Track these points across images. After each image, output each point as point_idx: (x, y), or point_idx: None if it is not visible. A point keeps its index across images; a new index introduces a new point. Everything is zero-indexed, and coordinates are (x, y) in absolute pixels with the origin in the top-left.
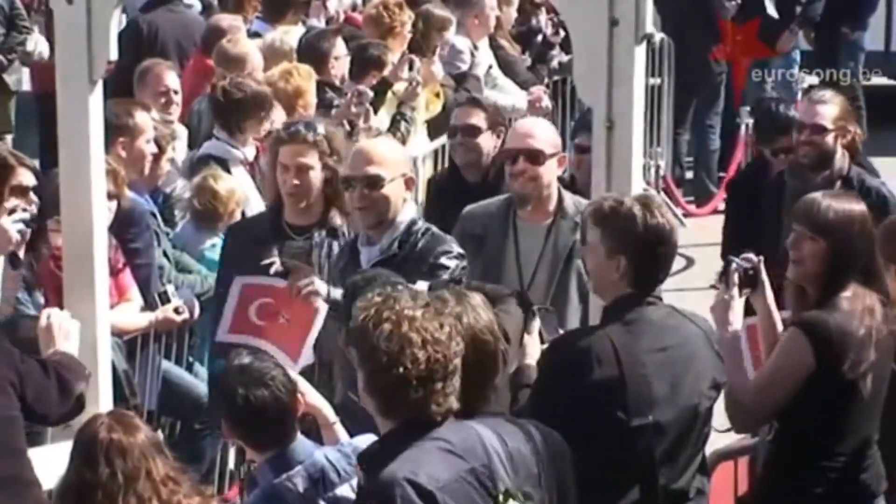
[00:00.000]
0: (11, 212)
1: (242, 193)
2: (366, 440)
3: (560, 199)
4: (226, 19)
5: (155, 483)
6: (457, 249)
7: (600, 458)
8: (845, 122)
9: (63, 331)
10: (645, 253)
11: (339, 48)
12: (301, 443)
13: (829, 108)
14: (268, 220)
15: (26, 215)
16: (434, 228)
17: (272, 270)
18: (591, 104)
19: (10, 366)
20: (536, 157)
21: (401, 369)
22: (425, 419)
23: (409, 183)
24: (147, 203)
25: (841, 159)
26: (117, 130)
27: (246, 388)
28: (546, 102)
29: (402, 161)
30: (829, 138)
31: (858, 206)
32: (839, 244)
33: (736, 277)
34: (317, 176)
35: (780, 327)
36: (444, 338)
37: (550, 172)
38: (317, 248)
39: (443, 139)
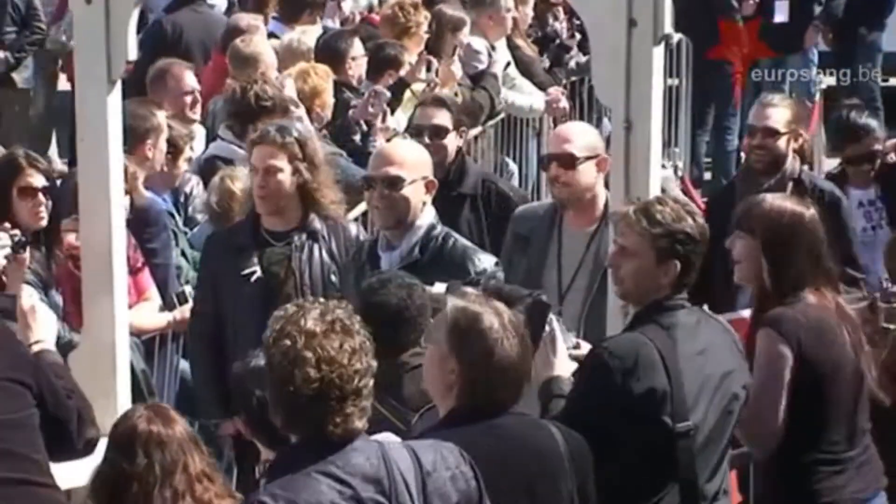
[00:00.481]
0: None
1: None
2: (385, 439)
3: (606, 204)
4: (244, 19)
5: (190, 478)
6: (487, 259)
7: (644, 463)
8: (797, 126)
9: (41, 318)
10: (696, 257)
11: (357, 48)
12: None
13: (781, 111)
14: (247, 228)
15: (10, 242)
16: (455, 235)
17: (253, 279)
18: (609, 105)
19: (23, 368)
20: (569, 161)
21: (291, 387)
22: (322, 438)
23: (430, 186)
24: (165, 203)
25: (792, 163)
26: (146, 132)
27: (263, 388)
28: (563, 103)
29: (424, 163)
30: (781, 142)
31: (795, 205)
32: (770, 239)
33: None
34: (285, 179)
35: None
36: (342, 358)
37: (587, 177)
38: (297, 251)
39: (469, 134)
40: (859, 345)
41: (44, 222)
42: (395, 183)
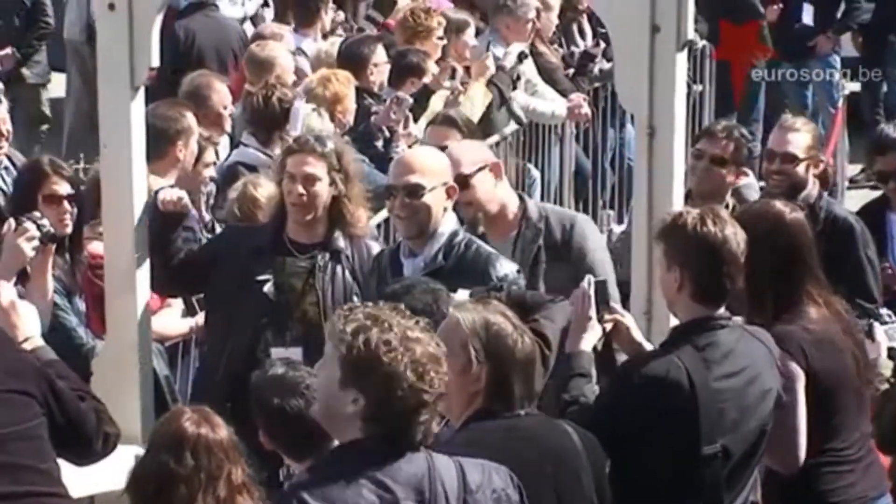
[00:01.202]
0: (19, 224)
1: None
2: None
3: (524, 208)
4: (269, 28)
5: (233, 486)
6: (508, 265)
7: (667, 484)
8: (817, 151)
9: (23, 314)
10: (699, 263)
11: (380, 55)
12: None
13: (801, 136)
14: (269, 232)
15: (39, 233)
16: (478, 241)
17: (265, 288)
18: (632, 111)
19: (25, 376)
20: (461, 180)
21: (399, 392)
22: (399, 442)
23: (451, 192)
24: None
25: (811, 189)
26: (176, 134)
27: (281, 397)
28: (585, 109)
29: (444, 170)
30: (801, 168)
31: (780, 207)
32: (751, 243)
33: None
34: (323, 188)
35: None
36: (439, 365)
37: (480, 191)
38: (320, 271)
39: (489, 140)
40: (859, 347)
41: (69, 229)
42: (417, 191)
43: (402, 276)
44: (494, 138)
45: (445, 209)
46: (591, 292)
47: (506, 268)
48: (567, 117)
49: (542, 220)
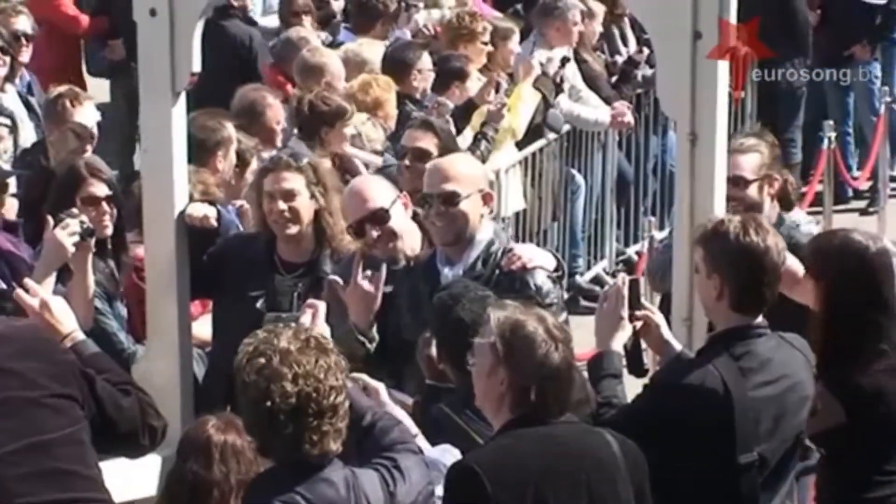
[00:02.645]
0: (58, 221)
1: None
2: (443, 452)
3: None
4: (295, 31)
5: None
6: (545, 274)
7: (703, 493)
8: (770, 170)
9: (58, 310)
10: (740, 272)
11: (424, 61)
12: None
13: (748, 157)
14: (262, 246)
15: (79, 227)
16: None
17: (258, 304)
18: (674, 117)
19: (68, 379)
20: (451, 198)
21: (268, 403)
22: (298, 460)
23: (487, 199)
24: (229, 215)
25: (770, 210)
26: (216, 144)
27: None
28: (629, 117)
29: (479, 177)
30: (752, 190)
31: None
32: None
33: (627, 292)
34: (304, 202)
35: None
36: (318, 373)
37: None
38: (300, 298)
39: (533, 146)
40: None
41: (108, 231)
42: (452, 199)
43: (439, 283)
44: (537, 144)
45: (482, 216)
46: (626, 291)
47: (543, 278)
48: (610, 125)
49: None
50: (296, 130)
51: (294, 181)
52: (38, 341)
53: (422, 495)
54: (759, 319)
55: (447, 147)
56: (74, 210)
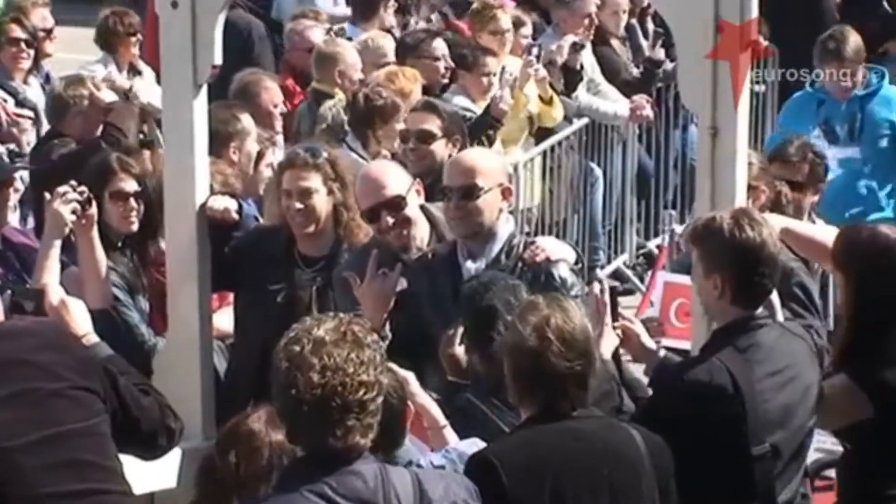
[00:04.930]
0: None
1: None
2: (471, 445)
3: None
4: (301, 23)
5: None
6: (568, 267)
7: (719, 486)
8: (758, 181)
9: (75, 311)
10: (739, 268)
11: (438, 49)
12: (406, 448)
13: None
14: (281, 241)
15: (77, 196)
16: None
17: (280, 298)
18: (695, 111)
19: (90, 373)
20: (471, 192)
21: (294, 391)
22: (323, 451)
23: (507, 193)
24: (249, 208)
25: None
26: (229, 136)
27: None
28: (648, 112)
29: (499, 171)
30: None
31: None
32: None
33: (608, 300)
34: (321, 200)
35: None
36: (348, 367)
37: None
38: (319, 293)
39: (551, 140)
40: None
41: (134, 227)
42: (471, 192)
43: (460, 278)
44: (555, 137)
45: (501, 210)
46: (606, 298)
47: (566, 270)
48: (629, 118)
49: None
50: (348, 128)
51: (311, 179)
52: (61, 336)
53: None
54: (760, 310)
55: (450, 129)
56: (73, 182)
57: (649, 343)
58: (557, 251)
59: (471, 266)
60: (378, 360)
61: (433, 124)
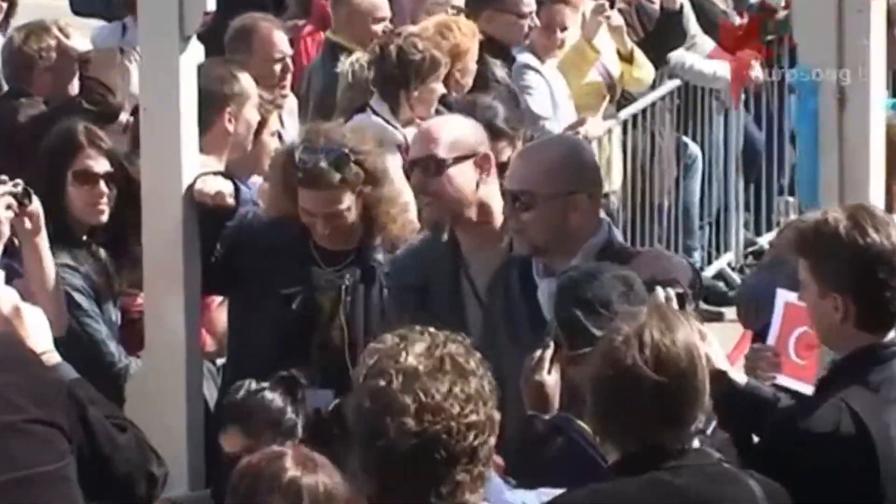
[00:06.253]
0: None
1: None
2: (540, 496)
3: None
4: None
5: None
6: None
7: None
8: None
9: (31, 322)
10: (865, 283)
11: (528, 3)
12: (495, 484)
13: None
14: (294, 231)
15: (11, 189)
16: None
17: (294, 305)
18: (816, 69)
19: (52, 401)
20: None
21: (382, 442)
22: None
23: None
24: (248, 192)
25: None
26: (223, 100)
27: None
28: (757, 71)
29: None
30: None
31: None
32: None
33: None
34: (352, 213)
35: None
36: (451, 406)
37: (453, 186)
38: (347, 294)
39: (634, 107)
40: None
41: (103, 217)
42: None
43: (534, 300)
44: (639, 104)
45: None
46: (675, 307)
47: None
48: (733, 80)
49: None
50: (375, 89)
51: (339, 200)
52: (13, 351)
53: None
54: (892, 335)
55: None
56: (3, 177)
57: (723, 364)
58: (664, 267)
59: (546, 287)
60: (487, 392)
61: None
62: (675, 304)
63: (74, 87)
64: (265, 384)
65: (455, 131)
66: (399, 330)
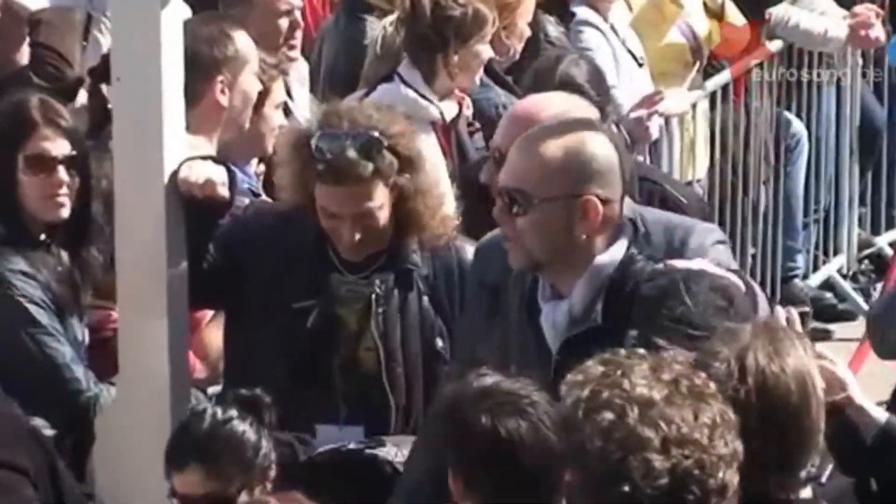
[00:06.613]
0: None
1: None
2: None
3: None
4: None
5: None
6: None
7: None
8: None
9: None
10: None
11: None
12: None
13: None
14: (309, 229)
15: None
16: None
17: (309, 322)
18: None
19: (15, 441)
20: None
21: (626, 487)
22: None
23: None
24: (248, 180)
25: None
26: (215, 65)
27: (492, 415)
28: (878, 31)
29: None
30: None
31: None
32: None
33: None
34: (383, 212)
35: None
36: (699, 436)
37: None
38: (380, 304)
39: (726, 75)
40: None
41: (64, 211)
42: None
43: (538, 328)
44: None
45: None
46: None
47: None
48: (848, 42)
49: (638, 226)
50: (406, 52)
51: (370, 197)
52: None
53: None
54: None
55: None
56: None
57: (861, 399)
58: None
59: (549, 312)
60: (730, 418)
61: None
62: (798, 328)
63: (24, 56)
64: (232, 411)
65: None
66: (602, 356)
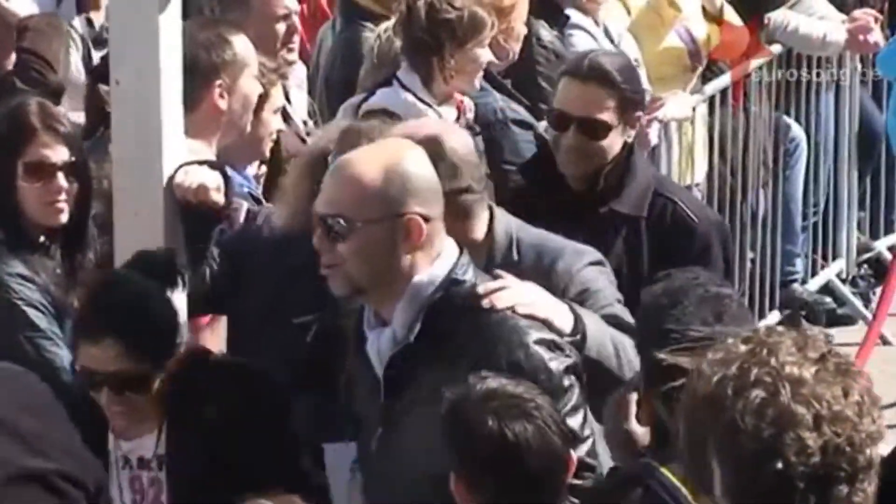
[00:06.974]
0: None
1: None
2: None
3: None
4: None
5: None
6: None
7: None
8: None
9: None
10: None
11: None
12: None
13: None
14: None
15: None
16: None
17: (309, 337)
18: None
19: (80, 453)
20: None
21: (779, 463)
22: None
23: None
24: (247, 184)
25: None
26: (213, 69)
27: (499, 418)
28: (877, 36)
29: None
30: None
31: None
32: None
33: None
34: None
35: None
36: (851, 413)
37: None
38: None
39: (724, 79)
40: None
41: (63, 217)
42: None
43: (364, 355)
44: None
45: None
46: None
47: (540, 347)
48: (846, 46)
49: (511, 248)
50: (404, 57)
51: None
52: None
53: None
54: None
55: (626, 105)
56: None
57: None
58: (535, 306)
59: (373, 341)
60: (875, 395)
61: (605, 106)
62: None
63: (11, 63)
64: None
65: None
66: (744, 334)
